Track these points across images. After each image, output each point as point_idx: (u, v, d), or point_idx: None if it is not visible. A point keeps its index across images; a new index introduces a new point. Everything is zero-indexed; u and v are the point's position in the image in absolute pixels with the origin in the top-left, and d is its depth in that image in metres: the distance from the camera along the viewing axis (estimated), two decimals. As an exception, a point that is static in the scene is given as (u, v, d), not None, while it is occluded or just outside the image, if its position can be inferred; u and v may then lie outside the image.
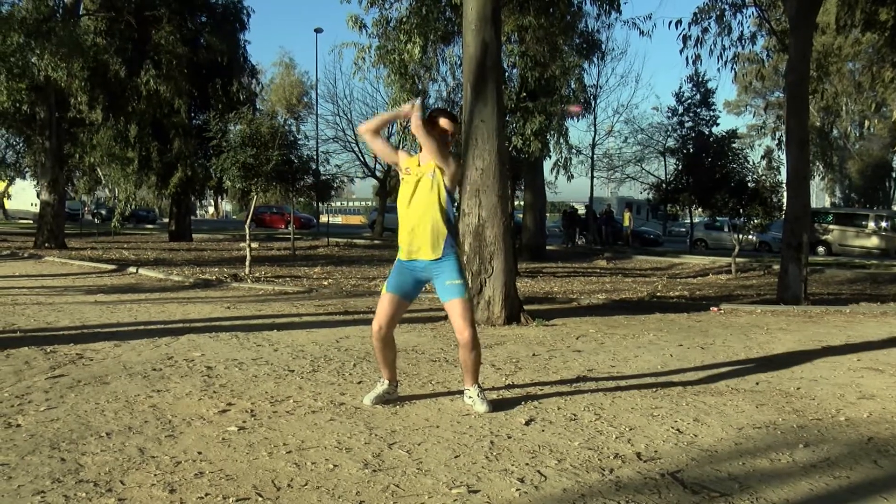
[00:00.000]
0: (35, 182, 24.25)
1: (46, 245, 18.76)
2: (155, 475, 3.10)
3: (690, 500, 2.97)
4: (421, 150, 4.22)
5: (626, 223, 29.81)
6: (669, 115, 25.67)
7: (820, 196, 50.59)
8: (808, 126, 11.33)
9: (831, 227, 25.58)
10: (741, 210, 16.21)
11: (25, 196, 39.60)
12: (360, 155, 32.71)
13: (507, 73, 12.80)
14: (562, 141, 13.88)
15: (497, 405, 4.28)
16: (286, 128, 14.56)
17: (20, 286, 10.48)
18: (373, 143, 4.44)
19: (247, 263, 13.16)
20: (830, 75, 17.64)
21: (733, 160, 16.88)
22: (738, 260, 16.88)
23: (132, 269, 13.22)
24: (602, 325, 7.81)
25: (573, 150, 16.28)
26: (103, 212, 38.30)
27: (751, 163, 16.94)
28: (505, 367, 5.51)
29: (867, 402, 4.64)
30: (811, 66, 11.56)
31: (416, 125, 4.07)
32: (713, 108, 24.62)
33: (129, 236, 27.08)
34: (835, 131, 43.03)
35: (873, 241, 24.83)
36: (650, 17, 23.59)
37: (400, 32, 12.18)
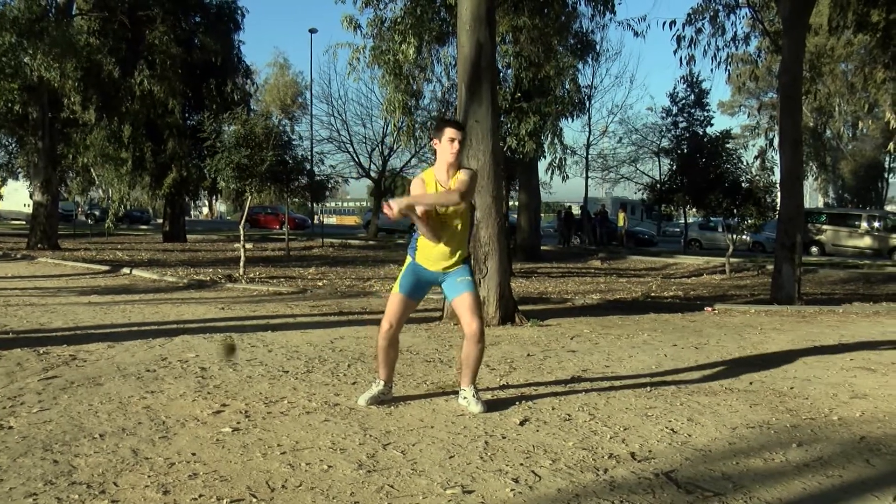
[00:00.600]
0: (28, 183, 24.18)
1: (39, 246, 18.68)
2: (149, 476, 3.09)
3: (684, 499, 2.97)
4: (436, 164, 4.24)
5: (621, 223, 29.86)
6: (664, 115, 25.72)
7: (813, 196, 50.80)
8: (801, 126, 11.38)
9: (825, 227, 25.66)
10: (735, 210, 16.25)
11: (18, 197, 39.46)
12: (354, 155, 32.69)
13: (501, 74, 12.82)
14: (556, 141, 13.91)
15: (491, 405, 4.28)
16: (280, 128, 14.55)
17: (13, 287, 10.44)
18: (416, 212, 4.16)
19: (241, 264, 13.13)
20: (823, 76, 17.69)
21: (727, 160, 16.91)
22: (732, 260, 16.92)
23: (126, 270, 13.18)
24: (596, 326, 7.82)
25: (567, 151, 16.31)
26: (97, 212, 38.23)
27: (745, 163, 16.99)
28: (499, 368, 5.51)
29: (860, 402, 4.66)
30: (804, 67, 11.61)
31: (406, 207, 4.01)
32: (707, 108, 24.65)
33: (122, 237, 27.00)
34: (828, 132, 43.15)
35: (866, 242, 24.91)
36: (644, 19, 23.89)
37: (394, 33, 12.19)
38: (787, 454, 3.57)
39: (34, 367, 5.13)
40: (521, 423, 4.00)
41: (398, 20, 12.28)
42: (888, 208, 45.27)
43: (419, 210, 4.04)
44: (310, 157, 19.64)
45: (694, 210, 20.16)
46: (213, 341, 6.25)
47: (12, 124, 20.51)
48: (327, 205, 56.54)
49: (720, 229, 24.00)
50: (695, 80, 23.59)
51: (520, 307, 8.21)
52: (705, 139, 18.63)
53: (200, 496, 2.90)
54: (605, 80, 59.16)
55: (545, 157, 14.76)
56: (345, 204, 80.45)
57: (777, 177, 13.31)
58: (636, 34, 25.56)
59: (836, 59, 19.24)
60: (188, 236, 25.75)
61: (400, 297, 4.23)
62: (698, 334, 7.37)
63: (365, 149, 32.99)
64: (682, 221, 28.28)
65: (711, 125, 23.19)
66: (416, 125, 13.86)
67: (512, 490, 3.03)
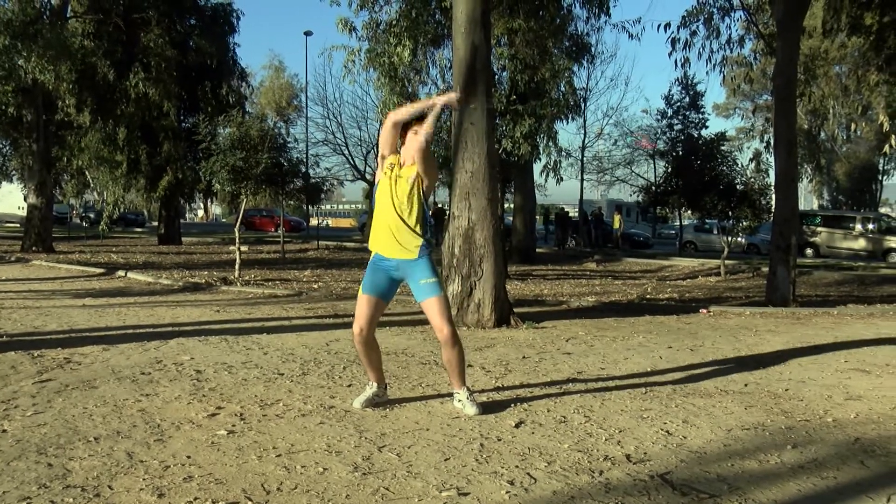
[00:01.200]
0: (22, 185, 24.11)
1: (34, 249, 18.62)
2: (143, 480, 3.08)
3: (679, 501, 2.98)
4: (403, 147, 4.20)
5: (617, 225, 29.89)
6: (659, 117, 25.81)
7: (808, 198, 50.91)
8: (795, 129, 11.41)
9: (819, 229, 25.73)
10: (730, 212, 16.29)
11: (12, 199, 39.30)
12: (349, 158, 32.68)
13: (496, 76, 12.84)
14: (551, 144, 13.92)
15: (487, 408, 4.28)
16: (276, 131, 14.54)
17: (7, 290, 10.40)
18: (388, 131, 4.21)
19: (236, 267, 13.12)
20: (817, 78, 17.78)
21: (722, 163, 16.96)
22: (727, 262, 16.96)
23: (121, 273, 13.14)
24: (592, 328, 7.82)
25: (563, 153, 16.34)
26: (91, 215, 38.13)
27: (739, 165, 17.03)
28: (495, 370, 5.51)
29: (854, 403, 4.67)
30: (798, 70, 11.64)
31: (422, 145, 4.04)
32: (702, 110, 24.76)
33: (117, 240, 26.93)
34: (822, 134, 43.29)
35: (861, 244, 24.98)
36: (639, 21, 23.91)
37: (390, 35, 12.19)
38: (781, 456, 3.58)
39: (28, 371, 5.11)
40: (517, 426, 4.00)
41: (393, 23, 12.29)
42: (882, 210, 45.46)
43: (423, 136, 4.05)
44: (305, 160, 19.63)
45: (689, 212, 20.21)
46: (208, 344, 6.24)
47: (6, 127, 20.45)
48: (322, 207, 56.46)
49: (715, 231, 24.10)
50: (690, 82, 23.70)
51: (515, 309, 8.21)
52: (700, 141, 18.68)
53: (195, 499, 2.89)
54: (600, 82, 59.26)
55: (540, 160, 14.80)
56: (340, 206, 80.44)
57: (772, 179, 13.37)
58: (631, 36, 25.74)
59: (830, 62, 19.32)
60: (183, 239, 25.70)
61: (365, 298, 4.19)
62: (693, 336, 7.39)
63: (360, 151, 33.02)
64: (678, 223, 28.33)
65: (706, 127, 23.29)
66: (412, 127, 13.86)
67: (507, 492, 3.03)
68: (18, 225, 33.28)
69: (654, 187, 19.49)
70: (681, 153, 19.09)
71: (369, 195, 35.22)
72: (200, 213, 73.56)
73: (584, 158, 30.55)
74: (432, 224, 4.33)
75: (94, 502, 2.84)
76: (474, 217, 7.75)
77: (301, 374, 5.21)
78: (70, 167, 22.99)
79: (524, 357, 6.07)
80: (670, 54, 13.52)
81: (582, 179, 30.56)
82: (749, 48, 15.18)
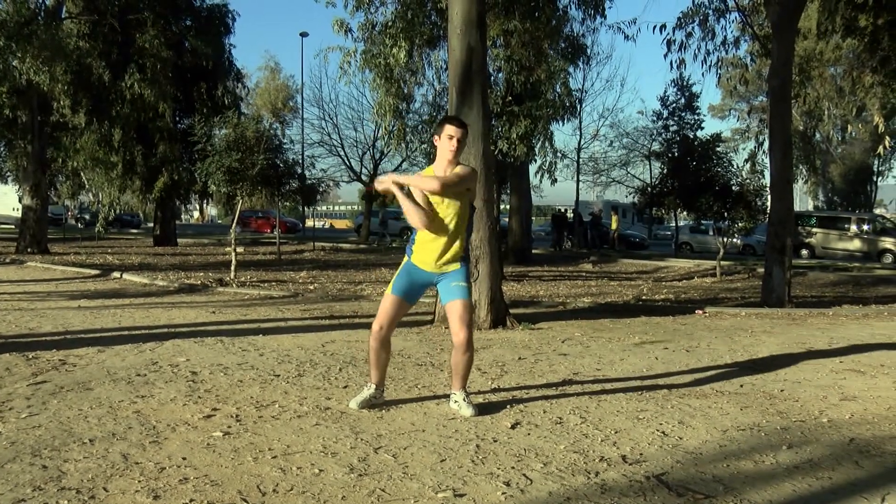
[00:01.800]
0: (17, 186, 24.04)
1: (29, 250, 18.58)
2: (139, 481, 3.07)
3: (675, 502, 2.98)
4: (435, 161, 4.23)
5: (614, 226, 29.92)
6: (654, 118, 25.86)
7: (803, 199, 51.05)
8: (791, 130, 11.44)
9: (815, 230, 25.80)
10: (726, 213, 16.34)
11: (7, 200, 39.17)
12: (345, 159, 32.68)
13: (492, 77, 12.84)
14: (547, 145, 13.93)
15: (483, 409, 4.28)
16: (271, 132, 14.53)
17: (2, 291, 10.36)
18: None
19: (232, 268, 13.11)
20: (812, 79, 17.80)
21: (718, 164, 17.01)
22: (722, 263, 17.00)
23: (116, 274, 13.12)
24: (588, 329, 7.83)
25: (558, 154, 16.33)
26: (87, 216, 38.06)
27: (735, 166, 17.09)
28: (491, 371, 5.51)
29: (849, 404, 4.69)
30: (794, 71, 11.68)
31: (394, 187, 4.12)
32: (697, 111, 24.84)
33: (113, 241, 26.87)
34: (817, 135, 43.42)
35: (855, 244, 25.07)
36: (635, 22, 23.88)
37: (385, 36, 12.19)
38: (777, 456, 3.59)
39: (23, 373, 5.09)
40: (513, 427, 4.00)
41: (389, 24, 12.28)
42: (877, 211, 45.58)
43: (402, 185, 4.11)
44: (301, 161, 19.60)
45: (685, 213, 20.24)
46: (204, 346, 6.23)
47: (1, 128, 20.41)
48: (318, 208, 56.44)
49: (711, 232, 24.11)
50: (685, 83, 23.75)
51: (511, 310, 8.21)
52: (696, 142, 18.73)
53: (191, 501, 2.88)
54: (595, 83, 59.47)
55: (536, 161, 14.79)
56: (336, 208, 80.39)
57: (767, 180, 13.41)
58: (627, 38, 25.66)
59: (825, 63, 19.35)
60: (179, 240, 25.66)
61: (392, 299, 4.22)
62: (689, 337, 7.40)
63: (356, 152, 33.02)
64: (673, 224, 28.38)
65: (702, 128, 23.35)
66: (407, 129, 13.88)
67: (503, 493, 3.03)
68: (13, 226, 33.19)
69: (649, 188, 19.51)
70: (676, 154, 19.12)
71: (365, 196, 35.22)
72: (196, 214, 73.44)
73: (580, 160, 30.62)
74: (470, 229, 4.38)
75: (89, 504, 2.83)
76: (470, 218, 7.75)
77: (297, 375, 5.21)
78: (65, 168, 22.94)
79: (520, 358, 6.08)
80: (666, 56, 13.60)
81: (578, 181, 30.60)
82: (744, 49, 15.24)
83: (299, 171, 16.21)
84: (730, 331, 7.92)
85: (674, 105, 23.90)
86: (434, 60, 13.55)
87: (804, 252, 24.74)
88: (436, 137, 4.21)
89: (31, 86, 17.29)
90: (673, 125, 23.85)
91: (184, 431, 3.80)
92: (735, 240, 20.08)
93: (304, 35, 31.35)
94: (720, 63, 14.07)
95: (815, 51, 18.61)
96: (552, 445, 3.69)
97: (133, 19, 19.98)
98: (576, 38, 14.59)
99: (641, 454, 3.58)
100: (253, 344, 6.42)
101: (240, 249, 15.13)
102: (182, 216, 58.30)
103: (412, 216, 4.08)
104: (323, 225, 59.89)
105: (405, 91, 13.11)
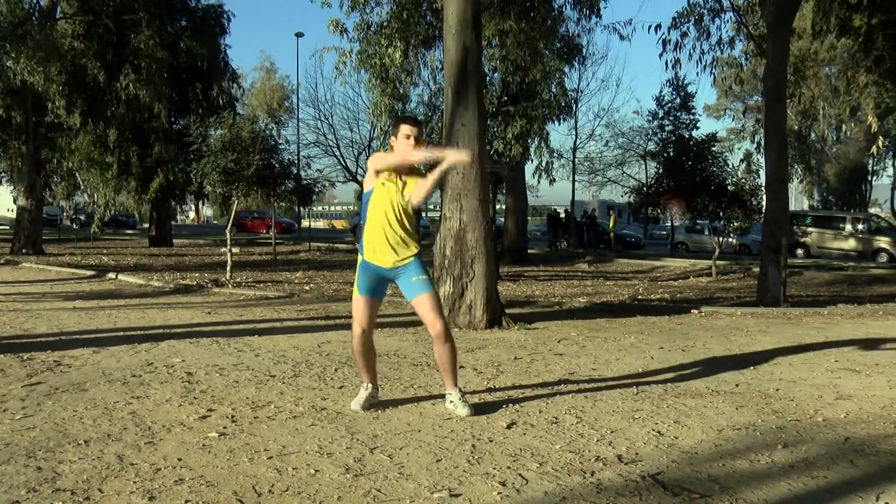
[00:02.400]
0: (12, 187, 23.96)
1: (24, 251, 18.53)
2: (134, 482, 3.07)
3: (671, 501, 2.98)
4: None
5: (612, 225, 29.94)
6: (650, 118, 25.89)
7: (798, 199, 51.13)
8: (786, 129, 11.46)
9: (810, 229, 25.84)
10: (721, 213, 16.35)
11: (2, 201, 39.14)
12: (341, 159, 32.63)
13: (488, 77, 12.85)
14: (543, 145, 13.94)
15: (479, 409, 4.28)
16: (267, 132, 14.50)
17: (-3, 293, 10.33)
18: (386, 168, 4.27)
19: (228, 268, 13.08)
20: (807, 79, 17.87)
21: (713, 163, 17.00)
22: (718, 262, 17.02)
23: (112, 275, 13.08)
24: (583, 329, 7.84)
25: (554, 154, 16.35)
26: (82, 217, 37.96)
27: (730, 166, 17.08)
28: (486, 371, 5.51)
29: (844, 403, 4.70)
30: (789, 71, 11.69)
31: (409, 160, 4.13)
32: (693, 111, 24.88)
33: (108, 242, 26.81)
34: (812, 135, 43.55)
35: (851, 244, 25.11)
36: (630, 22, 24.08)
37: (381, 37, 12.19)
38: (772, 455, 3.59)
39: (18, 374, 5.08)
40: (508, 427, 4.00)
41: (384, 24, 12.29)
42: (872, 210, 45.69)
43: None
44: (296, 161, 19.58)
45: (680, 213, 20.25)
46: (199, 346, 6.22)
47: (-5, 129, 20.35)
48: (314, 209, 56.41)
49: (706, 232, 24.16)
50: (680, 83, 23.78)
51: (507, 310, 8.22)
52: (691, 142, 18.74)
53: (186, 501, 2.88)
54: (591, 83, 59.38)
55: (532, 161, 14.81)
56: (332, 208, 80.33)
57: (762, 179, 13.44)
58: (622, 38, 25.82)
59: (820, 63, 19.42)
60: (174, 241, 25.62)
61: (363, 299, 4.21)
62: (685, 337, 7.41)
63: (352, 152, 32.96)
64: (669, 224, 28.42)
65: (697, 128, 23.38)
66: (403, 129, 13.85)
67: (499, 493, 3.03)
68: (8, 227, 33.10)
69: (645, 188, 19.53)
70: (672, 154, 19.14)
71: (360, 197, 35.13)
72: (192, 214, 73.36)
73: (576, 159, 30.64)
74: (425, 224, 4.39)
75: (83, 506, 2.83)
76: (466, 218, 7.76)
77: (292, 375, 5.20)
78: (60, 169, 22.89)
79: (516, 358, 6.08)
80: (661, 55, 13.56)
81: (574, 180, 30.62)
82: (739, 49, 15.27)
83: (295, 171, 16.20)
84: (725, 330, 7.93)
85: (669, 105, 23.95)
86: (429, 60, 13.56)
87: (799, 251, 24.77)
88: (392, 138, 4.20)
89: (26, 86, 17.25)
90: (668, 125, 23.90)
91: (179, 432, 3.79)
92: (730, 239, 20.12)
93: (299, 35, 31.25)
94: (715, 63, 14.10)
95: (810, 50, 18.66)
96: (548, 445, 3.69)
97: (128, 20, 19.94)
98: (571, 38, 14.62)
99: (637, 454, 3.58)
100: (248, 344, 6.41)
101: (235, 250, 15.11)
102: (177, 217, 58.19)
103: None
104: (331, 226, 59.81)
105: (401, 91, 13.11)
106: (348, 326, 7.58)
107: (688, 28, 13.43)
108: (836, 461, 3.52)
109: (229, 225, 14.31)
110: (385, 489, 3.05)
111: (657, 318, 8.85)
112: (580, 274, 17.25)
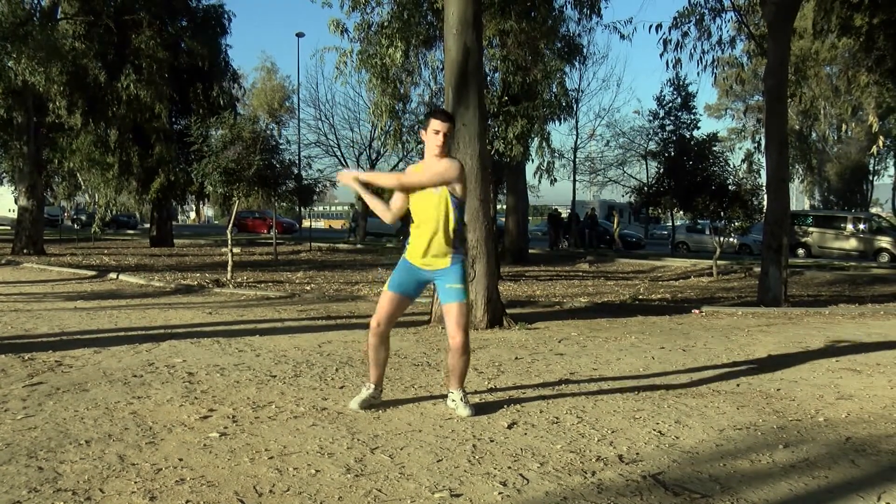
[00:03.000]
0: (13, 187, 23.97)
1: (25, 251, 18.55)
2: (135, 483, 3.07)
3: (672, 501, 2.98)
4: (423, 158, 4.23)
5: (616, 226, 29.93)
6: (650, 118, 25.83)
7: (799, 199, 51.12)
8: (787, 129, 11.45)
9: (811, 229, 25.83)
10: (722, 213, 16.34)
11: (3, 201, 39.14)
12: (342, 159, 32.70)
13: (488, 77, 12.84)
14: (544, 145, 13.91)
15: (479, 409, 4.28)
16: (268, 132, 14.50)
17: (-2, 293, 10.34)
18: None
19: (229, 268, 13.08)
20: (808, 79, 17.87)
21: (714, 163, 17.00)
22: (719, 262, 17.01)
23: (113, 275, 13.09)
24: (584, 328, 7.83)
25: (555, 154, 16.33)
26: (83, 217, 37.95)
27: (731, 166, 17.08)
28: (487, 371, 5.51)
29: (845, 403, 4.70)
30: (789, 70, 11.68)
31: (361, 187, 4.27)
32: (694, 111, 24.75)
33: (109, 242, 26.83)
34: (813, 134, 43.53)
35: (852, 244, 25.09)
36: (630, 22, 24.06)
37: (382, 37, 12.17)
38: (773, 455, 3.59)
39: (19, 374, 5.08)
40: (509, 427, 4.00)
41: (385, 24, 12.27)
42: (873, 210, 45.68)
43: (365, 182, 4.27)
44: (297, 161, 19.58)
45: (681, 213, 20.25)
46: (200, 346, 6.22)
47: (-4, 129, 20.37)
48: (315, 209, 56.38)
49: (707, 232, 24.13)
50: (681, 83, 23.70)
51: (508, 310, 8.22)
52: (692, 142, 18.72)
53: (187, 502, 2.88)
54: (592, 83, 59.36)
55: (533, 161, 14.79)
56: (333, 208, 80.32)
57: (763, 179, 13.42)
58: (622, 37, 25.76)
59: (821, 63, 19.41)
60: (175, 241, 25.64)
61: (391, 295, 4.22)
62: (686, 336, 7.41)
63: (353, 153, 33.06)
64: (670, 224, 28.40)
65: (698, 128, 23.32)
66: (404, 129, 13.86)
67: (500, 493, 3.03)
68: (9, 227, 33.12)
69: (646, 188, 19.51)
70: (672, 154, 19.12)
71: (361, 197, 35.11)
72: (193, 215, 73.40)
73: (577, 159, 30.64)
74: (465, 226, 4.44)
75: (85, 506, 2.83)
76: (466, 218, 7.74)
77: (293, 375, 5.20)
78: (61, 169, 22.89)
79: (517, 358, 6.08)
80: (662, 55, 13.58)
81: (574, 180, 30.63)
82: (740, 49, 15.27)
83: (296, 171, 16.20)
84: (726, 330, 7.93)
85: (670, 105, 23.83)
86: (430, 61, 13.54)
87: (800, 251, 24.76)
88: (422, 132, 4.22)
89: (27, 86, 17.26)
90: (669, 125, 23.79)
91: (180, 432, 3.79)
92: (731, 239, 20.10)
93: (300, 35, 31.26)
94: (716, 63, 14.08)
95: (811, 50, 18.65)
96: (549, 445, 3.69)
97: (129, 20, 19.94)
98: (572, 37, 14.59)
99: (638, 454, 3.58)
100: (249, 345, 6.42)
101: (236, 250, 15.11)
102: (178, 217, 58.25)
103: (376, 211, 4.25)
104: (341, 227, 59.79)
105: (401, 91, 13.09)
106: (349, 326, 7.62)
107: (688, 28, 13.42)
108: (838, 461, 3.52)
109: (230, 225, 14.31)
110: (386, 489, 3.05)
111: (658, 317, 8.85)
112: (581, 274, 17.24)
